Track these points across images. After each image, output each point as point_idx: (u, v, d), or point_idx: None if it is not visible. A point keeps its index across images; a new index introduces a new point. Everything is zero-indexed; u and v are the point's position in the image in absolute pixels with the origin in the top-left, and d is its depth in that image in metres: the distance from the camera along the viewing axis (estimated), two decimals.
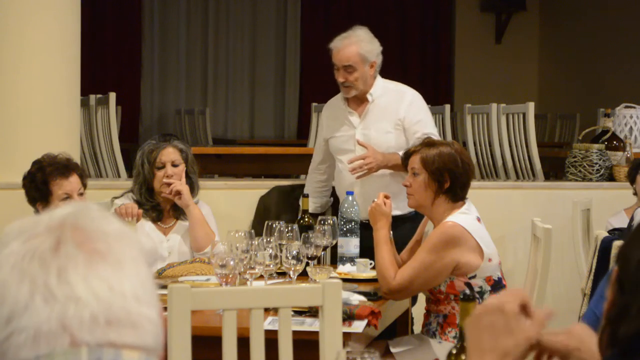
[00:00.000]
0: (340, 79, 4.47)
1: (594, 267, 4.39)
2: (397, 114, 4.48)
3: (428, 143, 3.68)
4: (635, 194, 5.20)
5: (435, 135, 4.46)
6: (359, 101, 4.55)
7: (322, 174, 4.79)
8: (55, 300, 1.01)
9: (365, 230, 4.20)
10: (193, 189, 4.23)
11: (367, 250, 3.98)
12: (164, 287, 3.37)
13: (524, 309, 1.40)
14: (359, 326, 3.09)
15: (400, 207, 4.24)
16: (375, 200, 3.70)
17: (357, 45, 4.44)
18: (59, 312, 1.01)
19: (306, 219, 4.13)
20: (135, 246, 1.09)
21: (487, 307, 1.40)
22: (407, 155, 3.71)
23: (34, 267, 1.03)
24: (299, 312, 3.10)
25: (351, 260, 4.03)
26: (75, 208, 1.10)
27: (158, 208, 4.21)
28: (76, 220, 1.07)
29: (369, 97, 4.51)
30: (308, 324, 3.03)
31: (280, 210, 5.05)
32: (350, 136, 4.54)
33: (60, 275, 1.02)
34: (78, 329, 1.01)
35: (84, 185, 3.98)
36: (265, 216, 4.50)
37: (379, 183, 4.36)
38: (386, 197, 3.70)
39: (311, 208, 4.63)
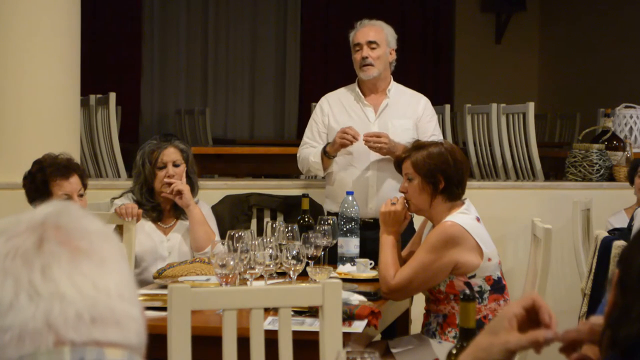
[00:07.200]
0: (363, 55, 4.48)
1: (594, 267, 4.38)
2: (416, 112, 4.53)
3: (417, 146, 3.65)
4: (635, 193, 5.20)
5: (440, 136, 4.54)
6: (374, 95, 4.54)
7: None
8: (40, 297, 1.00)
9: (366, 231, 4.19)
10: (193, 188, 4.24)
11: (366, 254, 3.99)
12: (164, 287, 3.37)
13: (531, 312, 1.40)
14: (359, 326, 3.09)
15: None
16: (393, 202, 3.65)
17: (383, 27, 4.62)
18: (44, 309, 0.99)
19: (306, 219, 4.12)
20: (117, 245, 1.09)
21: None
22: (399, 162, 3.69)
23: (17, 265, 1.01)
24: (299, 312, 3.10)
25: (351, 260, 4.02)
26: (56, 207, 1.09)
27: (158, 208, 4.21)
28: (58, 218, 1.06)
29: (387, 92, 4.53)
30: (308, 324, 3.02)
31: (234, 219, 4.90)
32: (364, 129, 4.43)
33: (44, 273, 1.01)
34: (63, 327, 0.99)
35: (85, 186, 3.98)
36: (218, 226, 4.34)
37: (393, 179, 4.34)
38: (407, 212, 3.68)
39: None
